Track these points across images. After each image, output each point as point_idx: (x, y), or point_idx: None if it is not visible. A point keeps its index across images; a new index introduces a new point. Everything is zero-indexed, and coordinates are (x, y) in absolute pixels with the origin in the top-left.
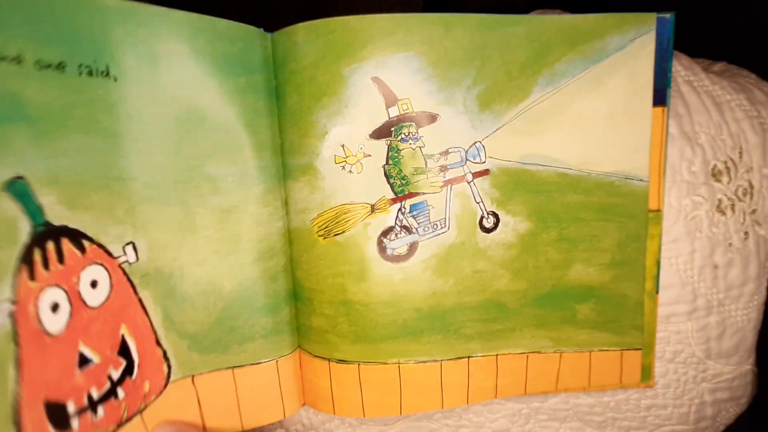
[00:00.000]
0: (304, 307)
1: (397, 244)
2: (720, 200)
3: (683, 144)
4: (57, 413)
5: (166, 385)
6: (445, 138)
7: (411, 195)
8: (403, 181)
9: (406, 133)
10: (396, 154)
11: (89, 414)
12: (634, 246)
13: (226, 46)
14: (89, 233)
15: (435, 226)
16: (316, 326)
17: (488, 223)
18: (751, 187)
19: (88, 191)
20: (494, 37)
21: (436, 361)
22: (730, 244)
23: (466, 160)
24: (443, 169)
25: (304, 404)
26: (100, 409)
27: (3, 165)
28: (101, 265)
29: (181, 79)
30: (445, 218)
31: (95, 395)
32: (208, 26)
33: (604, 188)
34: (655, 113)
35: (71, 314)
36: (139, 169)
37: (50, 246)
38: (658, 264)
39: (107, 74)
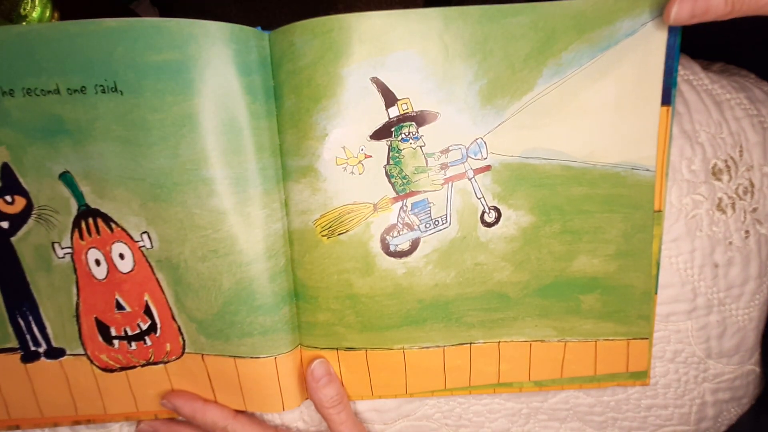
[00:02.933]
0: (308, 305)
1: (400, 240)
2: (720, 199)
3: (683, 143)
4: (103, 329)
5: (183, 353)
6: (446, 136)
7: (412, 193)
8: (404, 181)
9: (407, 133)
10: (397, 154)
11: (125, 343)
12: (640, 237)
13: (220, 48)
14: (115, 218)
15: (436, 223)
16: (322, 321)
17: (489, 217)
18: (752, 185)
19: (110, 186)
20: (497, 29)
21: (438, 346)
22: (731, 243)
23: (467, 157)
24: (444, 166)
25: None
26: (133, 344)
27: (56, 163)
28: (125, 244)
29: (175, 86)
30: (446, 214)
31: (129, 332)
32: (200, 31)
33: (609, 179)
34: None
35: (108, 270)
36: (146, 171)
37: (90, 221)
38: (657, 263)
39: (115, 89)
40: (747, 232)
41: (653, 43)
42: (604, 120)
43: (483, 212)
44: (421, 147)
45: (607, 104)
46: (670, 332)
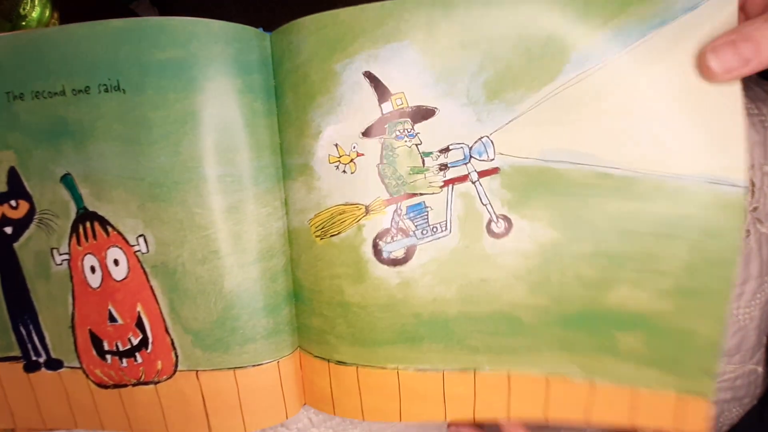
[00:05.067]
0: (305, 307)
1: (393, 247)
2: None
3: None
4: (97, 343)
5: (174, 371)
6: (446, 133)
7: (408, 196)
8: (399, 181)
9: (401, 130)
10: (390, 153)
11: (117, 359)
12: (716, 273)
13: (222, 47)
14: (111, 221)
15: (434, 229)
16: (316, 326)
17: (497, 227)
18: (753, 184)
19: (109, 187)
20: (509, 11)
21: (437, 370)
22: None
23: (470, 157)
24: (443, 167)
25: (304, 404)
26: (124, 361)
27: (59, 166)
28: (120, 249)
29: (178, 84)
30: (445, 221)
31: (120, 347)
32: (204, 30)
33: (671, 195)
34: None
35: (103, 278)
36: (146, 170)
37: (87, 225)
38: None
39: (118, 88)
40: (747, 231)
41: (722, 20)
42: (660, 117)
43: (490, 221)
44: (416, 145)
45: (666, 95)
46: None
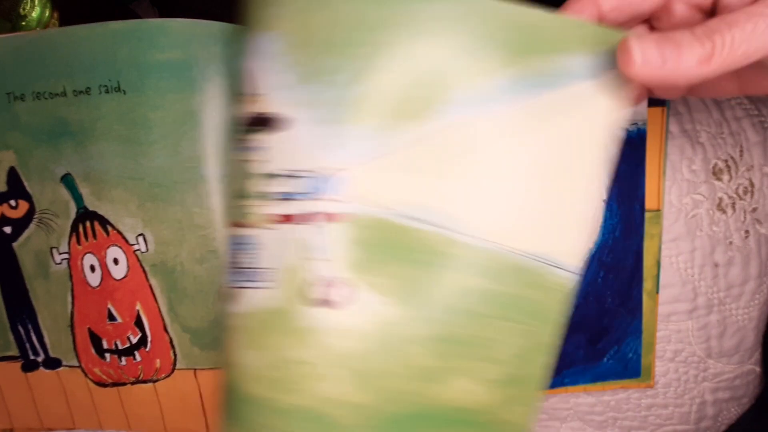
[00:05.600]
0: None
1: (226, 278)
2: (720, 199)
3: (683, 142)
4: (96, 341)
5: (173, 370)
6: (296, 154)
7: (238, 224)
8: (234, 203)
9: (249, 141)
10: (237, 167)
11: (116, 357)
12: (536, 360)
13: (222, 48)
14: (111, 221)
15: (254, 274)
16: None
17: (334, 294)
18: (752, 185)
19: (109, 187)
20: (403, 14)
21: None
22: (731, 243)
23: (319, 192)
24: (285, 198)
25: None
26: (123, 359)
27: (59, 165)
28: (120, 248)
29: (177, 84)
30: (270, 269)
31: (120, 346)
32: (204, 31)
33: (519, 275)
34: (654, 113)
35: (102, 277)
36: (146, 170)
37: (87, 224)
38: (658, 263)
39: (119, 89)
40: (747, 231)
41: (602, 105)
42: (526, 188)
43: (326, 284)
44: (260, 162)
45: (534, 165)
46: (670, 332)
